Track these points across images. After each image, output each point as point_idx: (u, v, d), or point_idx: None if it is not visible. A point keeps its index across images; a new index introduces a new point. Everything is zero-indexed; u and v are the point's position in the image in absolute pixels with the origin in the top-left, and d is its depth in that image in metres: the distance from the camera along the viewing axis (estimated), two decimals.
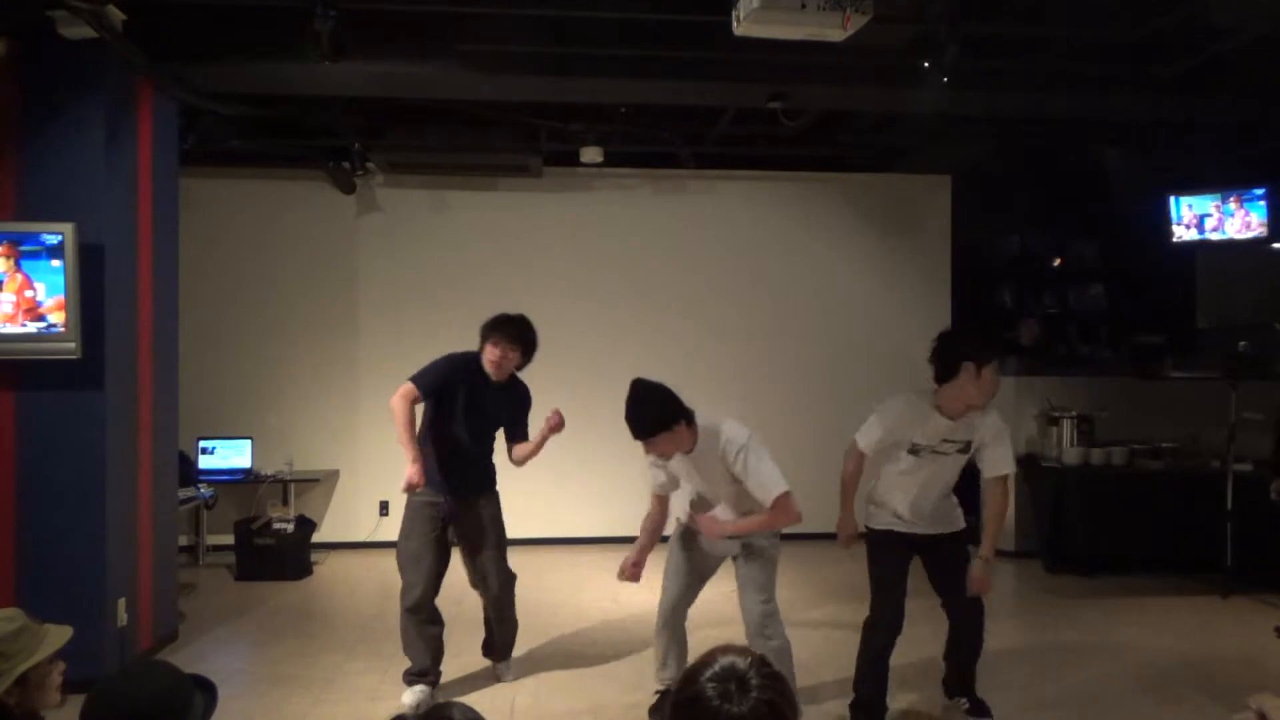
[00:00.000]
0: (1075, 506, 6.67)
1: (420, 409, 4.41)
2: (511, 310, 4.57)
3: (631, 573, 4.10)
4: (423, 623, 4.33)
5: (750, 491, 3.78)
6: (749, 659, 1.50)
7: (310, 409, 7.54)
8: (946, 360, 3.75)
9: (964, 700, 4.19)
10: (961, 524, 4.07)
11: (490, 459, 4.55)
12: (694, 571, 4.10)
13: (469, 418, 4.38)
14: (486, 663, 4.78)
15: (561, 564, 6.97)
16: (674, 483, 4.04)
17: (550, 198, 7.75)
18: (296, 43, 4.54)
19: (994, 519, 3.94)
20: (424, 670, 4.35)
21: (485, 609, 4.61)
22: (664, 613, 4.12)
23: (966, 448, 3.89)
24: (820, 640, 5.24)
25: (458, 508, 4.37)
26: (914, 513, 3.94)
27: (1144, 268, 7.95)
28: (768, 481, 3.74)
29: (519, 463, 4.52)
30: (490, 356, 4.35)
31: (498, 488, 4.57)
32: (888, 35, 4.42)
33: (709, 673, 1.48)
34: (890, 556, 3.97)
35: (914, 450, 3.84)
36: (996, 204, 8.24)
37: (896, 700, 4.24)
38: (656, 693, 4.27)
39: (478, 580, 4.49)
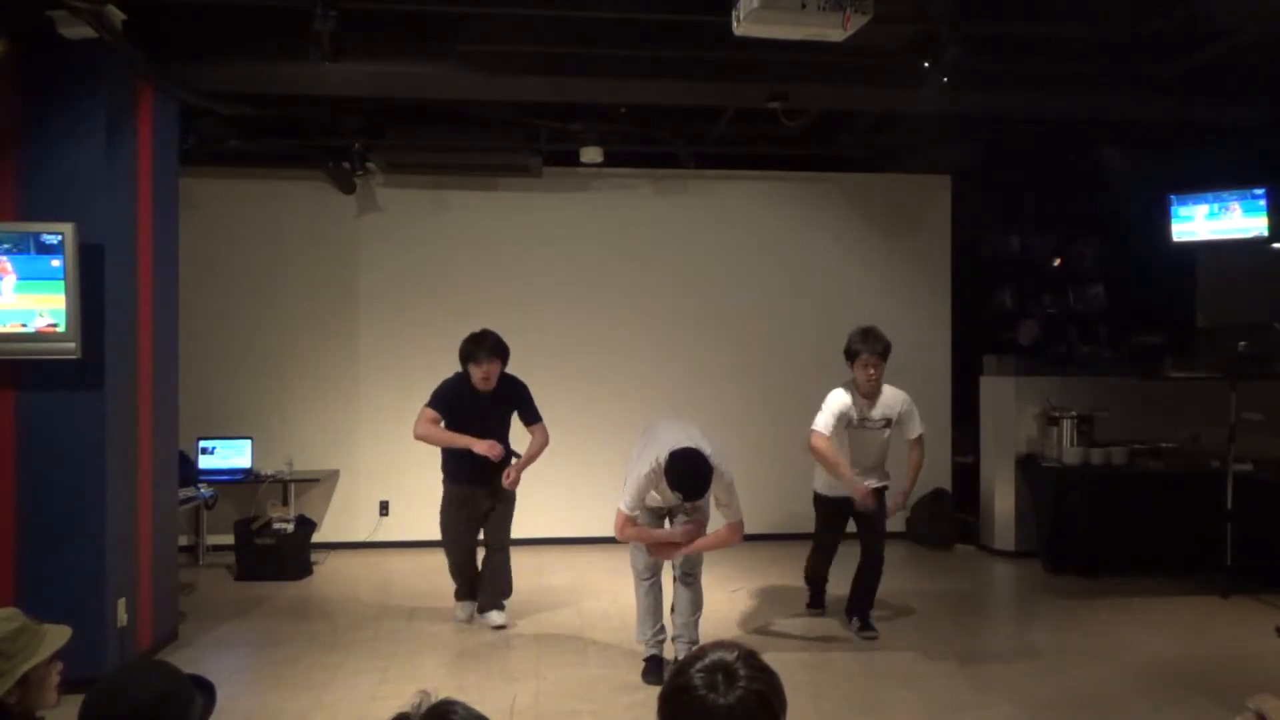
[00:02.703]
0: (1075, 506, 6.67)
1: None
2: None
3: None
4: (461, 568, 5.51)
5: (722, 509, 4.52)
6: (737, 653, 1.51)
7: (310, 409, 7.55)
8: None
9: (856, 620, 5.24)
10: (887, 480, 5.31)
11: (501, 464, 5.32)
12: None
13: (471, 426, 5.20)
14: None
15: (561, 564, 6.97)
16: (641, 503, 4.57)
17: (550, 198, 7.75)
18: (296, 43, 4.55)
19: (913, 469, 5.26)
20: (461, 590, 5.56)
21: (483, 565, 5.52)
22: (647, 571, 4.67)
23: (886, 424, 5.16)
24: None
25: (483, 491, 5.35)
26: (856, 468, 5.12)
27: (1144, 268, 7.94)
28: (739, 508, 4.52)
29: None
30: (479, 376, 5.16)
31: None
32: (888, 35, 4.42)
33: (698, 665, 1.50)
34: (831, 515, 5.40)
35: (851, 425, 5.10)
36: (996, 204, 8.23)
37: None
38: (645, 659, 4.67)
39: (487, 539, 5.49)
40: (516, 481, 5.31)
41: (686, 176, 7.81)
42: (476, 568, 5.56)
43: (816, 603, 5.70)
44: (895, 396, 5.18)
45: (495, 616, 5.45)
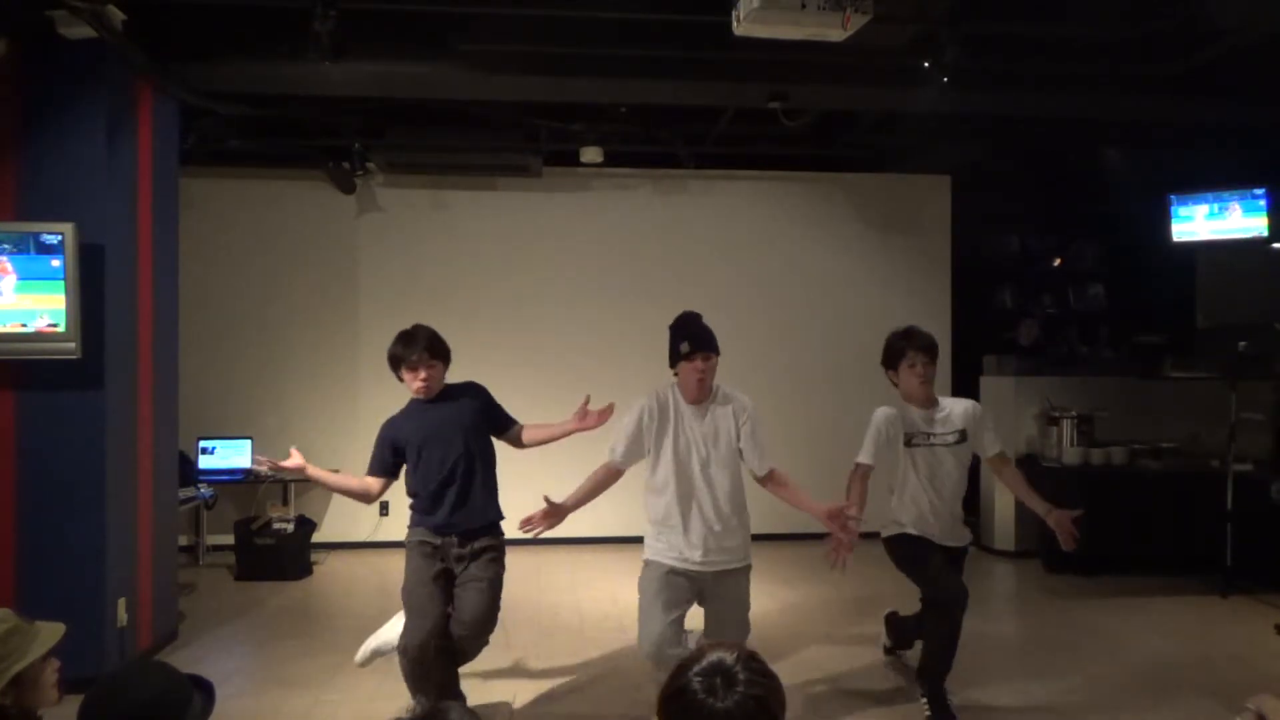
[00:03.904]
0: (1075, 506, 6.63)
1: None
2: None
3: (542, 515, 3.94)
4: (420, 664, 3.81)
5: (746, 457, 3.84)
6: (736, 654, 1.50)
7: (310, 409, 7.55)
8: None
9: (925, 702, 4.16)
10: (968, 539, 4.36)
11: (483, 492, 4.06)
12: (673, 607, 3.79)
13: (424, 452, 3.99)
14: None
15: (561, 564, 6.97)
16: (637, 451, 3.94)
17: (550, 198, 7.75)
18: (296, 43, 4.55)
19: (1023, 488, 4.26)
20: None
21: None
22: (650, 652, 3.75)
23: (962, 436, 4.15)
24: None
25: (458, 549, 3.97)
26: (934, 515, 4.16)
27: (1144, 268, 7.95)
28: (769, 449, 3.87)
29: (530, 445, 4.25)
30: (416, 385, 3.98)
31: (503, 528, 4.14)
32: (888, 35, 4.42)
33: (697, 668, 1.49)
34: (918, 548, 4.18)
35: (910, 443, 4.13)
36: (996, 204, 8.23)
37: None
38: None
39: (454, 624, 3.95)
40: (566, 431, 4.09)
41: (686, 176, 7.81)
42: (445, 662, 3.90)
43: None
44: (963, 403, 4.25)
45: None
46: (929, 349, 4.15)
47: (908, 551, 4.20)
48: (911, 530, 4.18)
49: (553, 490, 4.05)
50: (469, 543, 3.98)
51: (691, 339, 3.81)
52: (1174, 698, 4.41)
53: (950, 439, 4.14)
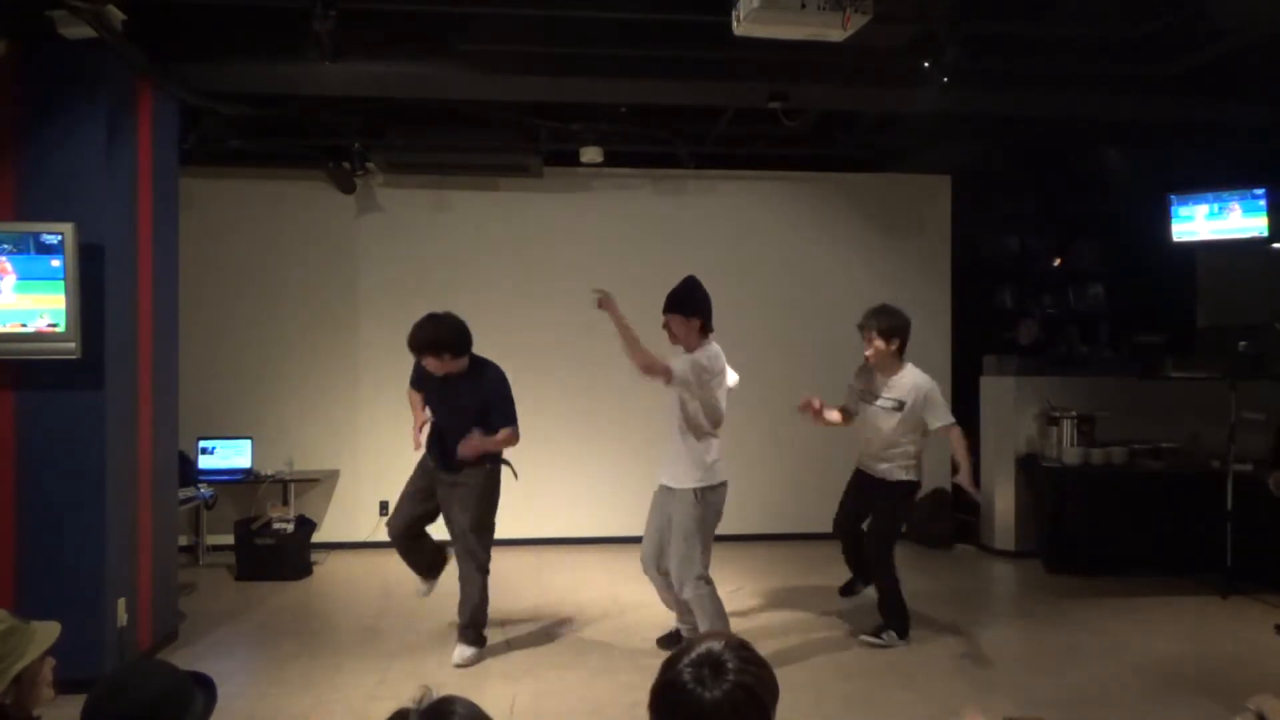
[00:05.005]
0: (1075, 506, 6.67)
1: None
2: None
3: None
4: (403, 542, 4.96)
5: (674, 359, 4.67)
6: (725, 643, 1.50)
7: (310, 409, 7.55)
8: None
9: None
10: (894, 478, 4.98)
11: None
12: (654, 521, 4.77)
13: (440, 409, 4.90)
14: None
15: (561, 564, 6.97)
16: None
17: (550, 198, 7.75)
18: (296, 43, 4.55)
19: (963, 454, 4.87)
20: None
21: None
22: (642, 560, 4.85)
23: (899, 406, 4.90)
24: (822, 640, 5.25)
25: (444, 476, 4.85)
26: (866, 451, 5.12)
27: (1144, 268, 7.94)
28: (675, 364, 4.58)
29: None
30: (432, 369, 4.76)
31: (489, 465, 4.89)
32: (888, 35, 4.42)
33: (687, 659, 1.48)
34: (850, 482, 5.29)
35: (864, 398, 5.06)
36: (996, 204, 8.23)
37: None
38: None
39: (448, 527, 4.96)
40: (474, 450, 4.67)
41: (686, 176, 7.81)
42: (418, 549, 5.07)
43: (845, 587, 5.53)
44: (911, 381, 4.94)
45: (455, 652, 4.83)
46: (885, 331, 4.90)
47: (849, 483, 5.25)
48: (858, 464, 5.20)
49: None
50: (450, 472, 4.82)
51: (665, 301, 4.64)
52: (1174, 698, 4.41)
53: (888, 405, 4.94)
